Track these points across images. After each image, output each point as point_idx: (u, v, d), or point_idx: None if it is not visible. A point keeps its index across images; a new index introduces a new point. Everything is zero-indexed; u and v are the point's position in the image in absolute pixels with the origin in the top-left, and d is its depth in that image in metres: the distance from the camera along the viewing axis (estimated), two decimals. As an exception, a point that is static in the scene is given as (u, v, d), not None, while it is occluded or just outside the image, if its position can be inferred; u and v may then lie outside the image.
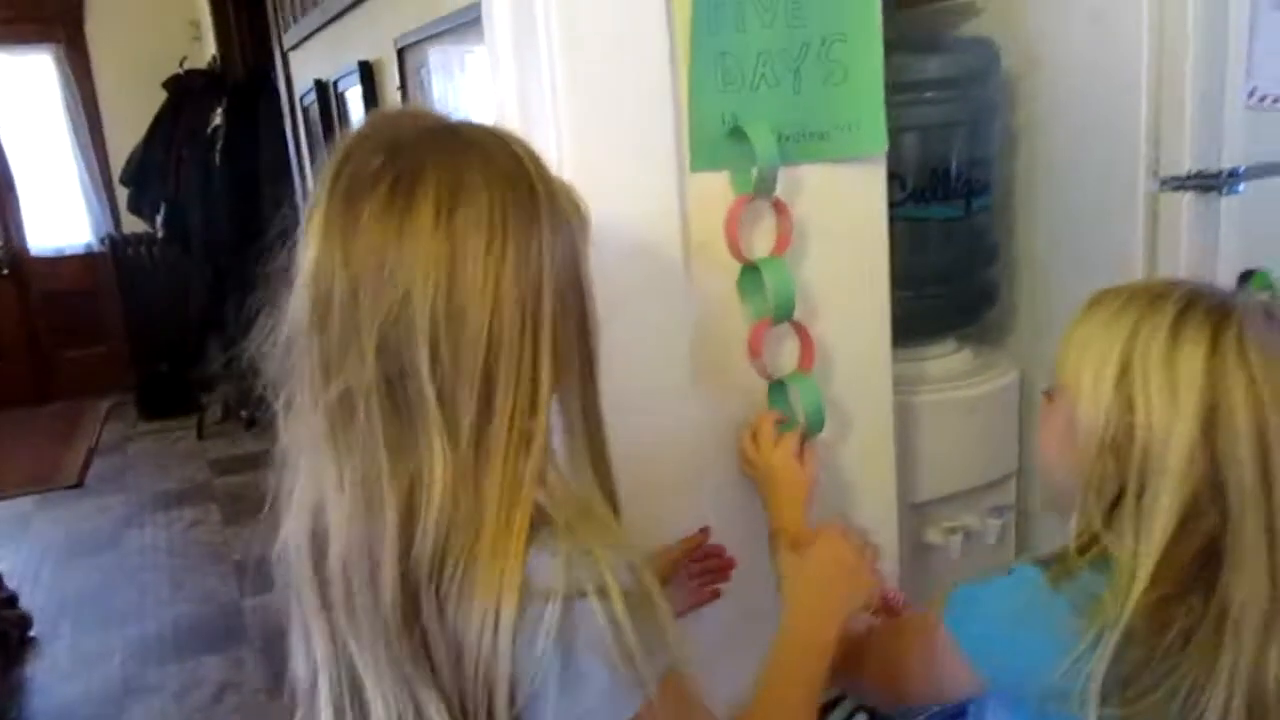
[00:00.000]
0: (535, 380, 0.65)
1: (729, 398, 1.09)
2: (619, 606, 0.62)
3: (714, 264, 1.05)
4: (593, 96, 0.97)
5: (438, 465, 0.63)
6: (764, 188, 1.02)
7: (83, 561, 3.51)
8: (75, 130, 5.24)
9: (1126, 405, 0.74)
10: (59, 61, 5.21)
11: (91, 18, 5.21)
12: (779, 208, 1.05)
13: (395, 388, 0.63)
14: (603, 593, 0.62)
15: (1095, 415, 0.75)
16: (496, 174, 0.65)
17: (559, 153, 0.97)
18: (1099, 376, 0.75)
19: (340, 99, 2.22)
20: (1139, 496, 0.73)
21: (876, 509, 1.22)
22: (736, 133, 1.02)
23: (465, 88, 1.48)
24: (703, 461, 1.09)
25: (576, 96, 0.97)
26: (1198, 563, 0.72)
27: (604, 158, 0.98)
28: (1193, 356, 0.72)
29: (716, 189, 1.04)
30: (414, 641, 0.64)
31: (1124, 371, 0.74)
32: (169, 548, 3.58)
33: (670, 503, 1.07)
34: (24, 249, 5.36)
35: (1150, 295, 0.77)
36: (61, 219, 5.36)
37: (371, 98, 1.96)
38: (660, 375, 1.05)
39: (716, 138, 1.02)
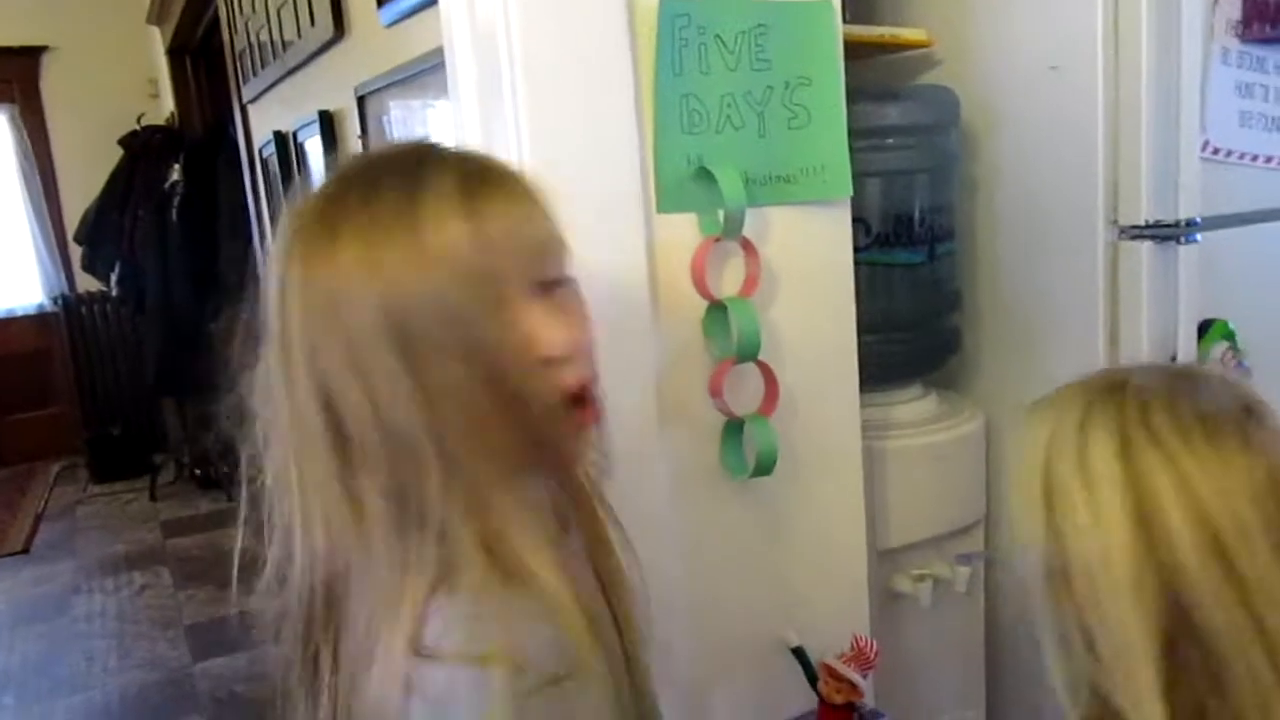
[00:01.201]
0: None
1: (695, 438, 1.08)
2: (515, 685, 0.56)
3: (680, 304, 1.05)
4: (558, 139, 0.96)
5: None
6: (731, 229, 1.02)
7: (27, 630, 3.38)
8: (29, 188, 5.18)
9: (1056, 529, 0.61)
10: (13, 120, 5.16)
11: (47, 76, 5.18)
12: (748, 248, 1.04)
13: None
14: (501, 666, 0.56)
15: (1033, 548, 0.63)
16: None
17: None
18: (1027, 502, 0.63)
19: (300, 149, 2.21)
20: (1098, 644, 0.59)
21: (845, 555, 1.21)
22: (703, 174, 1.02)
23: (426, 133, 1.47)
24: (669, 502, 1.07)
25: (541, 139, 0.96)
26: None
27: (570, 201, 0.97)
28: (1103, 453, 0.60)
29: (683, 230, 1.03)
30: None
31: (1046, 490, 0.62)
32: (118, 613, 3.46)
33: (649, 544, 1.04)
34: (-28, 308, 5.25)
35: (1068, 392, 0.66)
36: (13, 279, 5.27)
37: (331, 146, 1.96)
38: (627, 416, 1.03)
39: (682, 180, 1.02)
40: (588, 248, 0.98)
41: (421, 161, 0.63)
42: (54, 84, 5.18)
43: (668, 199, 1.01)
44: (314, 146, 2.07)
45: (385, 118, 1.64)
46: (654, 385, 1.04)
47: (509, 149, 0.97)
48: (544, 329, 0.63)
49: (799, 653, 1.13)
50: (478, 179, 0.63)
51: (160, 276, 4.25)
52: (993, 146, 1.39)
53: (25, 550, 4.19)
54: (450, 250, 0.59)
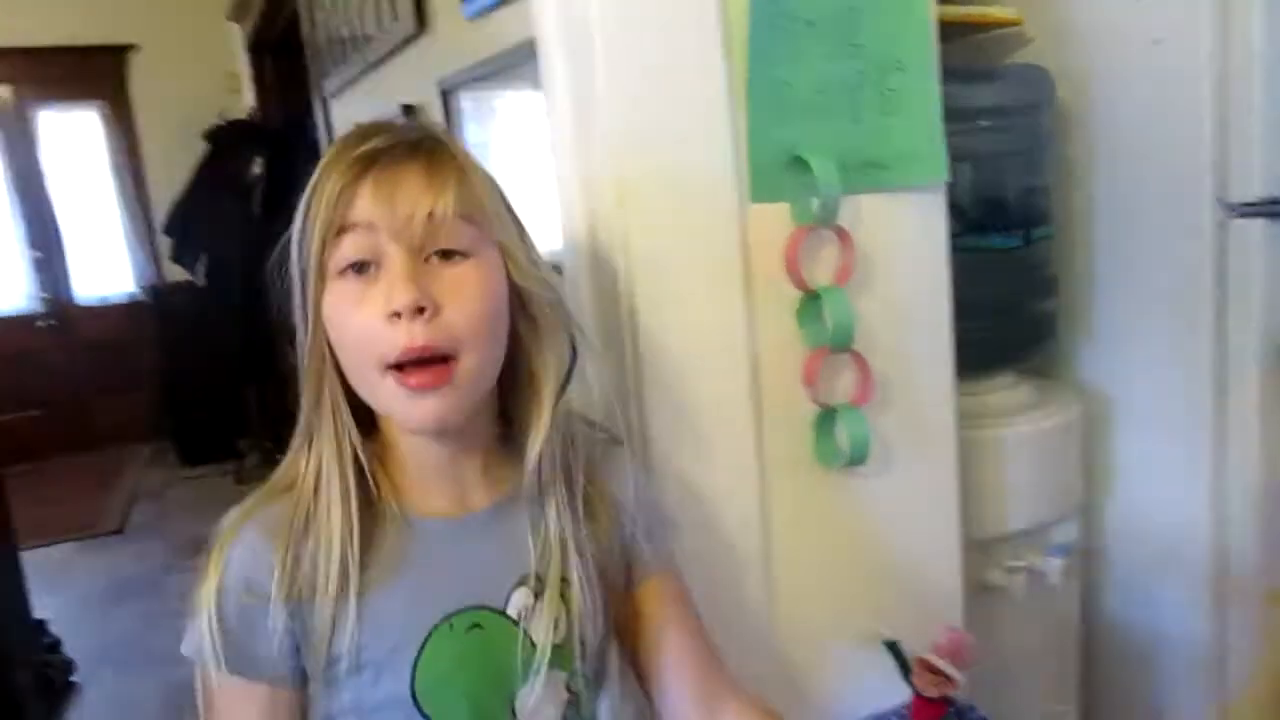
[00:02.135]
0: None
1: (787, 428, 1.07)
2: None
3: (773, 294, 1.04)
4: (650, 130, 0.96)
5: None
6: (825, 217, 1.01)
7: (123, 607, 3.52)
8: (119, 182, 5.35)
9: None
10: (104, 117, 5.34)
11: (134, 73, 5.34)
12: (842, 237, 1.03)
13: None
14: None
15: None
16: None
17: (619, 188, 0.96)
18: None
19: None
20: None
21: (938, 546, 1.19)
22: (796, 163, 1.00)
23: (510, 124, 1.48)
24: (760, 492, 1.06)
25: (634, 130, 0.96)
26: None
27: (663, 191, 0.97)
28: None
29: (776, 219, 1.02)
30: None
31: None
32: (207, 593, 3.59)
33: (731, 537, 1.05)
34: (70, 299, 5.45)
35: None
36: (105, 269, 5.45)
37: (415, 141, 1.98)
38: (719, 406, 1.03)
39: (776, 168, 1.01)
40: (681, 237, 0.99)
41: (352, 133, 0.75)
42: (140, 81, 5.34)
43: (761, 188, 1.01)
44: (397, 138, 2.09)
45: (469, 110, 1.65)
46: (747, 375, 1.04)
47: (600, 138, 0.97)
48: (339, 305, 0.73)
49: (892, 646, 1.11)
50: (371, 147, 0.72)
51: (243, 266, 4.36)
52: (1089, 126, 1.35)
53: (119, 530, 4.35)
54: (313, 203, 0.72)
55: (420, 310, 0.70)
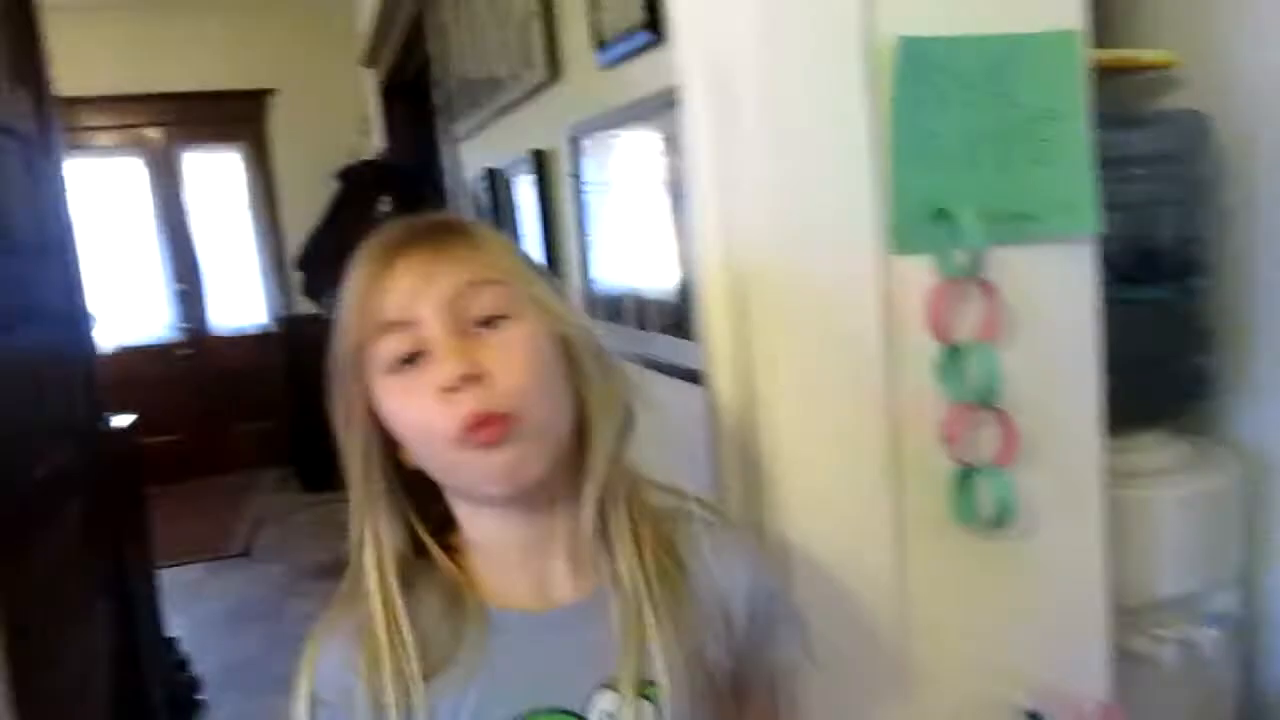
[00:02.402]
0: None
1: (924, 485, 1.04)
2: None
3: (914, 347, 1.01)
4: (792, 180, 0.95)
5: None
6: (971, 270, 0.98)
7: (248, 628, 3.64)
8: (256, 219, 5.63)
9: None
10: (244, 157, 5.63)
11: (273, 117, 5.63)
12: (987, 290, 1.00)
13: None
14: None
15: None
16: None
17: (760, 238, 0.95)
18: None
19: (510, 186, 2.29)
20: None
21: (1084, 612, 1.13)
22: (941, 214, 0.98)
23: (636, 172, 1.49)
24: (893, 551, 1.03)
25: (775, 178, 0.95)
26: None
27: (802, 241, 0.96)
28: None
29: (919, 271, 1.00)
30: None
31: None
32: (327, 618, 3.69)
33: (864, 600, 1.02)
34: (207, 329, 5.74)
35: None
36: (240, 302, 5.73)
37: (543, 184, 2.02)
38: (854, 461, 1.01)
39: (919, 220, 0.98)
40: (820, 287, 0.98)
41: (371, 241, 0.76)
42: (278, 123, 5.62)
43: (903, 239, 0.98)
44: (524, 185, 2.14)
45: (599, 158, 1.67)
46: (883, 429, 1.01)
47: (742, 189, 0.97)
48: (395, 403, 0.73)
49: (1034, 718, 1.06)
50: (385, 245, 0.74)
51: (368, 301, 4.51)
52: (1249, 172, 1.28)
53: (246, 553, 4.53)
54: (342, 309, 0.74)
55: (470, 379, 0.70)
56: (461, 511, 0.79)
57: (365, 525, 0.76)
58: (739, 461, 1.06)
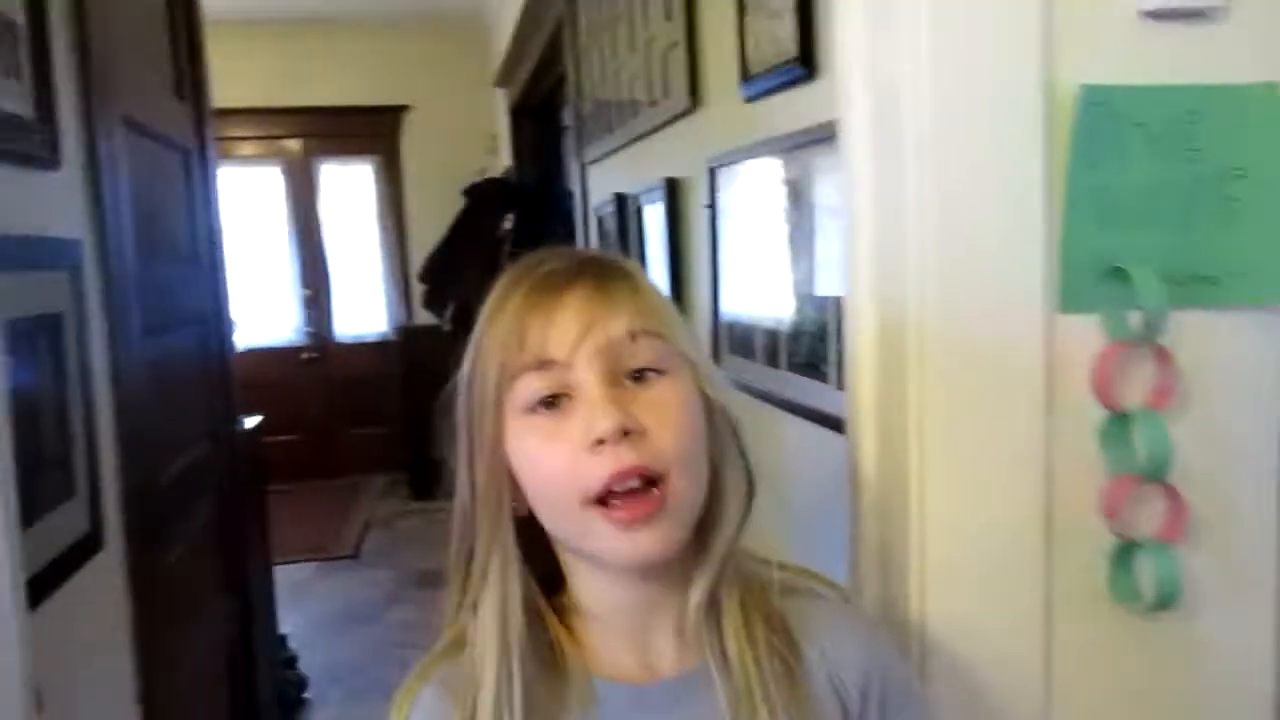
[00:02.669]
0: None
1: (1081, 559, 0.98)
2: None
3: (1077, 411, 0.96)
4: (957, 229, 0.91)
5: None
6: (1145, 334, 0.92)
7: (353, 631, 3.72)
8: (384, 231, 5.80)
9: None
10: (376, 170, 5.82)
11: (406, 132, 5.80)
12: (1161, 356, 0.94)
13: None
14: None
15: None
16: None
17: (919, 286, 0.92)
18: None
19: (639, 213, 2.30)
20: None
21: (1250, 704, 1.04)
22: (1114, 273, 0.93)
23: (774, 207, 1.47)
24: (1044, 628, 0.97)
25: (938, 224, 0.91)
26: None
27: (965, 290, 0.92)
28: None
29: (1087, 332, 0.94)
30: None
31: None
32: (428, 626, 3.74)
33: (1009, 679, 0.96)
34: (330, 335, 5.93)
35: None
36: (363, 310, 5.91)
37: (674, 213, 2.01)
38: (1007, 532, 0.95)
39: (1091, 278, 0.93)
40: (980, 342, 0.93)
41: (516, 269, 0.73)
42: (410, 138, 5.80)
43: (1073, 298, 0.93)
44: (654, 212, 2.14)
45: (738, 191, 1.66)
46: (1039, 496, 0.96)
47: (902, 233, 0.94)
48: (529, 441, 0.69)
49: (1188, 815, 0.98)
50: (543, 277, 0.70)
51: (485, 316, 4.59)
52: None
53: (355, 555, 4.64)
54: (485, 337, 0.70)
55: (625, 434, 0.65)
56: (573, 571, 0.74)
57: (490, 575, 0.71)
58: (877, 519, 1.02)
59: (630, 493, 0.66)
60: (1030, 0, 0.89)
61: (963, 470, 0.94)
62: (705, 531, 0.72)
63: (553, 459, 0.67)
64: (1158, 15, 0.91)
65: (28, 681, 0.86)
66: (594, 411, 0.65)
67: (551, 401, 0.67)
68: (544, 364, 0.67)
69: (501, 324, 0.68)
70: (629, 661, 0.74)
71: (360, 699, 3.15)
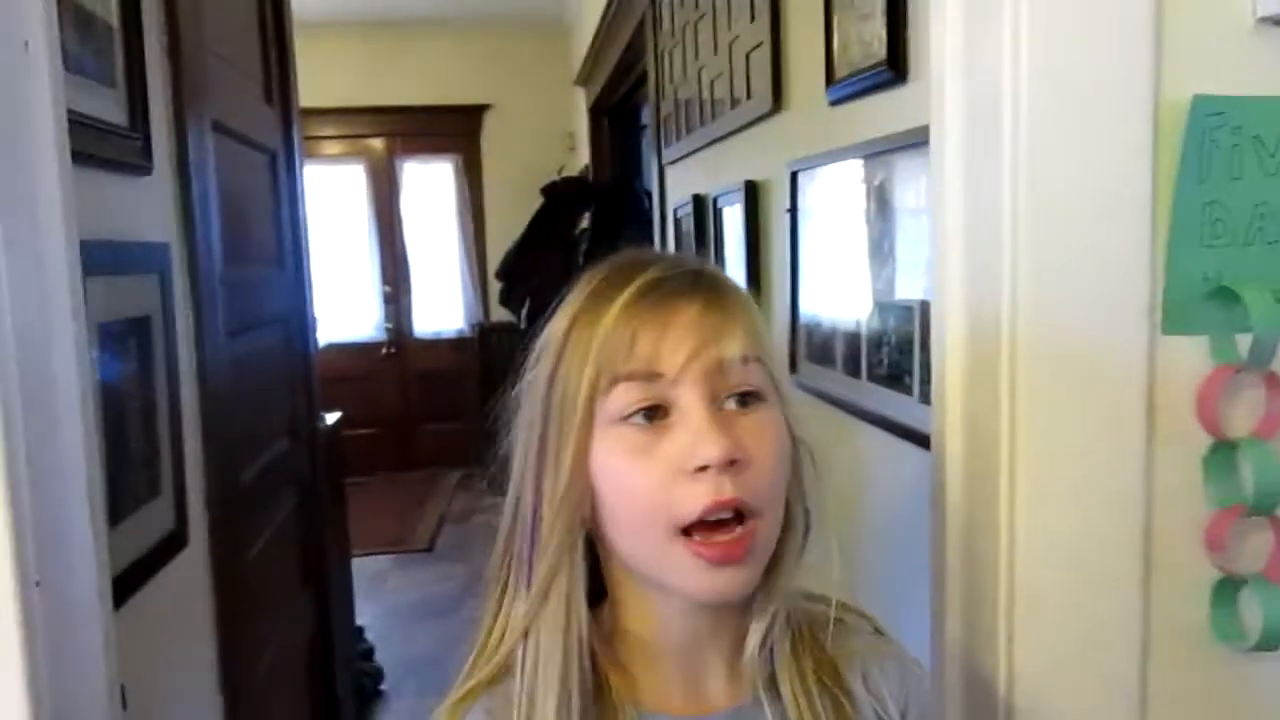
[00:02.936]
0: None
1: (1181, 594, 0.93)
2: None
3: (1179, 439, 0.91)
4: (1055, 245, 0.87)
5: None
6: (1255, 358, 0.87)
7: (427, 624, 3.77)
8: (462, 228, 5.87)
9: None
10: (457, 169, 5.89)
11: (487, 131, 5.86)
12: (1272, 382, 0.89)
13: None
14: None
15: None
16: None
17: (1012, 301, 0.88)
18: None
19: (718, 214, 2.27)
20: None
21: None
22: (1222, 293, 0.88)
23: (857, 213, 1.43)
24: (1140, 665, 0.92)
25: (1035, 237, 0.87)
26: None
27: (1063, 306, 0.88)
28: None
29: (1191, 355, 0.90)
30: None
31: None
32: (500, 624, 3.78)
33: (1107, 709, 0.92)
34: (409, 332, 6.03)
35: None
36: (440, 307, 5.99)
37: (753, 215, 1.98)
38: (1102, 562, 0.91)
39: (1196, 298, 0.88)
40: (1078, 361, 0.89)
41: (614, 268, 0.69)
42: (490, 137, 5.86)
43: (1177, 318, 0.89)
44: (733, 214, 2.12)
45: (819, 195, 1.62)
46: (1137, 525, 0.91)
47: (995, 244, 0.90)
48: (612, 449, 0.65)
49: None
50: (650, 286, 0.66)
51: (560, 314, 4.61)
52: None
53: (430, 549, 4.71)
54: (578, 341, 0.65)
55: (731, 463, 0.62)
56: (630, 595, 0.71)
57: (552, 596, 0.67)
58: (962, 544, 0.98)
59: (719, 524, 0.63)
60: (1141, 4, 0.84)
61: (1056, 495, 0.90)
62: (769, 569, 0.69)
63: (644, 477, 0.64)
64: (1278, 21, 0.85)
65: (113, 681, 0.87)
66: (701, 436, 0.62)
67: (649, 414, 0.64)
68: (651, 376, 0.64)
69: (602, 327, 0.64)
70: (676, 692, 0.71)
71: (434, 693, 3.13)
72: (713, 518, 0.63)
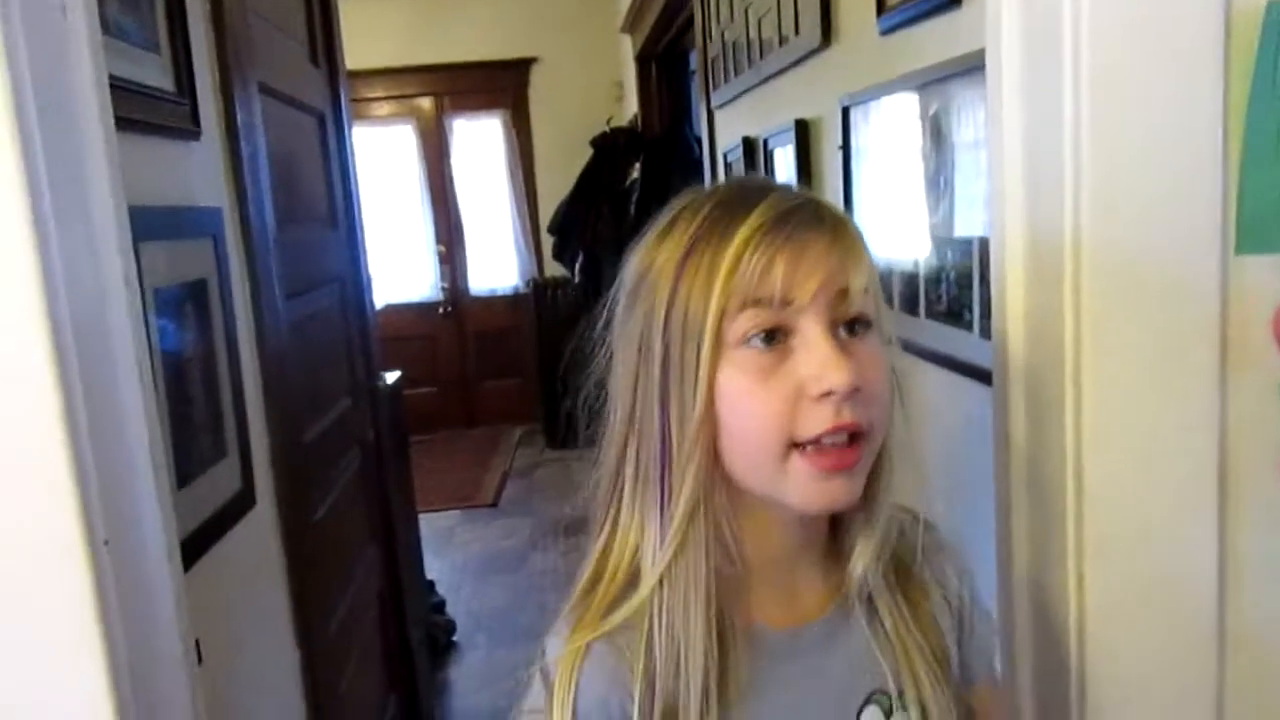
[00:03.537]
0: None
1: (1258, 522, 0.89)
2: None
3: (1255, 363, 0.87)
4: (1121, 165, 0.83)
5: None
6: (1337, 276, 0.82)
7: (495, 578, 3.84)
8: (513, 184, 5.86)
9: None
10: (505, 125, 5.87)
11: (534, 85, 5.82)
12: (1356, 301, 0.84)
13: None
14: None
15: None
16: None
17: (1074, 227, 0.84)
18: None
19: (769, 156, 2.23)
20: None
21: None
22: (1302, 208, 0.83)
23: (912, 146, 1.39)
24: (1218, 596, 0.90)
25: (1101, 161, 0.83)
26: None
27: (1130, 230, 0.84)
28: None
29: (1267, 276, 0.85)
30: None
31: None
32: (567, 572, 3.83)
33: (1183, 648, 0.89)
34: (465, 290, 6.07)
35: None
36: (495, 264, 6.01)
37: (804, 155, 1.94)
38: (1173, 490, 0.88)
39: (1273, 216, 0.84)
40: (1147, 286, 0.85)
41: (729, 193, 0.71)
42: (538, 91, 5.81)
43: (1251, 238, 0.84)
44: (784, 155, 2.07)
45: (872, 130, 1.58)
46: (1211, 453, 0.87)
47: (1057, 169, 0.86)
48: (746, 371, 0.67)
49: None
50: (775, 215, 0.66)
51: (615, 265, 4.60)
52: None
53: (495, 504, 4.78)
54: (676, 268, 0.67)
55: (856, 391, 0.65)
56: (737, 515, 0.72)
57: (690, 542, 0.68)
58: (1027, 483, 0.96)
59: (834, 444, 0.66)
60: (1208, -96, 0.79)
61: (1125, 428, 0.87)
62: (869, 484, 0.72)
63: (766, 398, 0.66)
64: (1360, -88, 0.80)
65: (187, 635, 0.90)
66: (829, 364, 0.65)
67: (768, 338, 0.66)
68: (783, 302, 0.65)
69: (730, 252, 0.65)
70: (776, 605, 0.74)
71: (505, 643, 3.25)
72: (829, 440, 0.66)
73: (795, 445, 0.66)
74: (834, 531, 0.76)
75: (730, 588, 0.71)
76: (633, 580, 0.70)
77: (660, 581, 0.68)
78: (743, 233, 0.66)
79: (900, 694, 0.73)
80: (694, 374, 0.66)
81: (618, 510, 0.72)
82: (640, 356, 0.69)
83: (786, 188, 0.72)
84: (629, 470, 0.71)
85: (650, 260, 0.69)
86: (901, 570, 0.77)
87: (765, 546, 0.73)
